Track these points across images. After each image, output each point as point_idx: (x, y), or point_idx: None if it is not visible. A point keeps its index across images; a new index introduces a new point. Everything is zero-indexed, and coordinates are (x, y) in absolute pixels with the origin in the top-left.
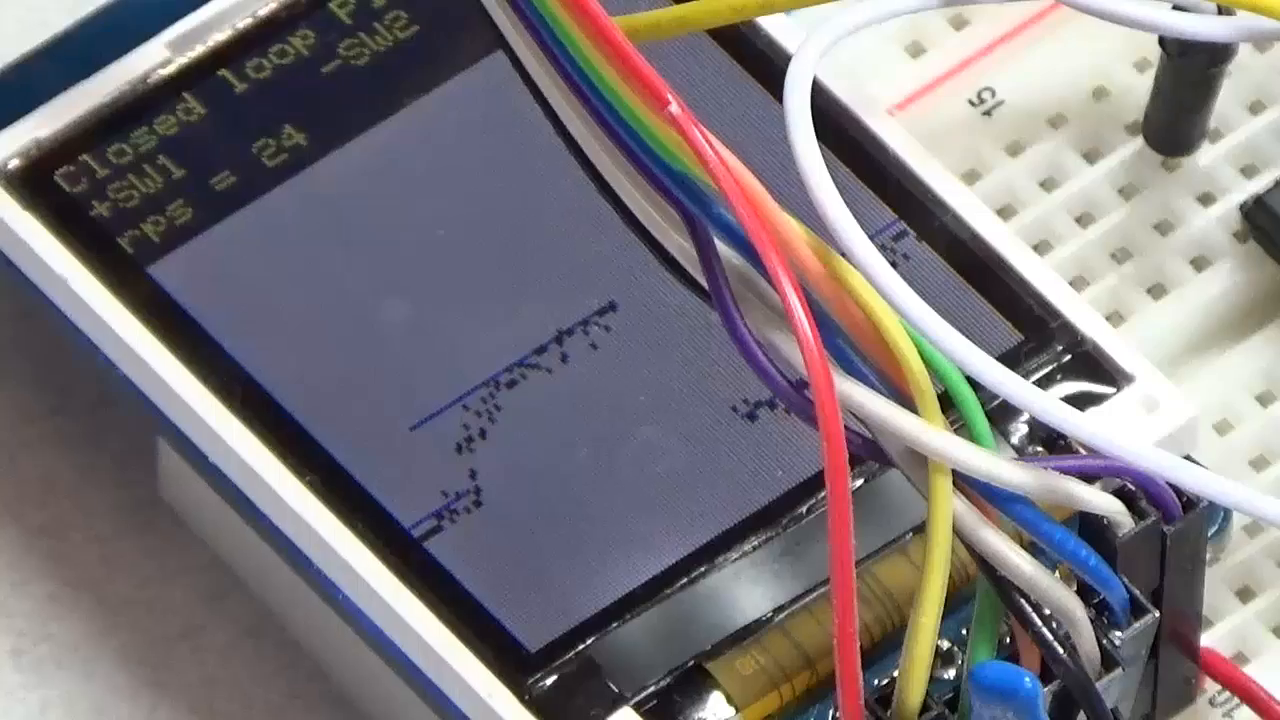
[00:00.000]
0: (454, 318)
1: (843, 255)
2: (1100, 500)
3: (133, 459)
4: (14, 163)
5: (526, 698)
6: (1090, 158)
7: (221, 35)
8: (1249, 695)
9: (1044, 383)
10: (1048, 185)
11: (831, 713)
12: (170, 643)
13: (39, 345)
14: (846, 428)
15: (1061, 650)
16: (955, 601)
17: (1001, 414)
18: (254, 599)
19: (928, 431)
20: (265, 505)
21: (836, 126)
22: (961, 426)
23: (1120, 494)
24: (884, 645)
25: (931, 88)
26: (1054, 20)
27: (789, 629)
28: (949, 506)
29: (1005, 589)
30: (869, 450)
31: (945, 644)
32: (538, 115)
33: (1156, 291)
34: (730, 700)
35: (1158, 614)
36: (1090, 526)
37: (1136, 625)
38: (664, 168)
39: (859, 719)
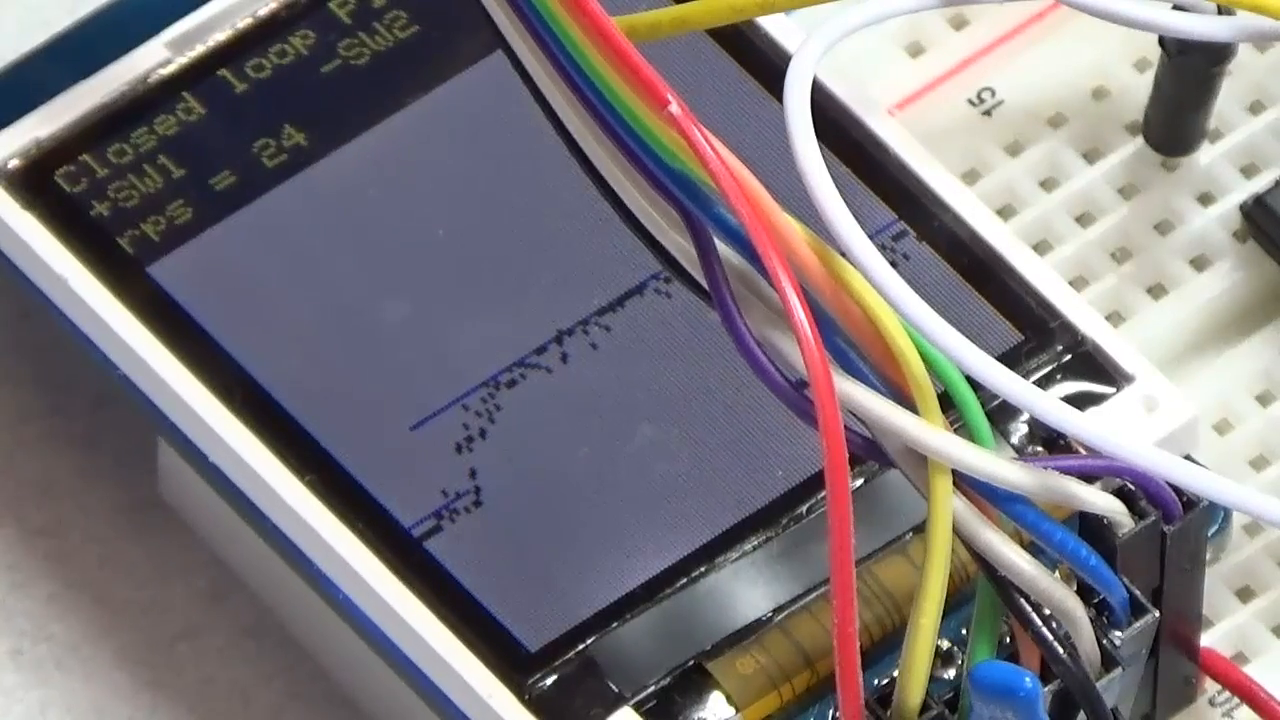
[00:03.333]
0: (454, 318)
1: (843, 255)
2: (1100, 500)
3: (133, 459)
4: (14, 163)
5: (526, 698)
6: (1090, 158)
7: (221, 35)
8: (1249, 695)
9: (1044, 383)
10: (1048, 185)
11: (831, 713)
12: (170, 643)
13: (39, 345)
14: (846, 428)
15: (1061, 650)
16: (955, 601)
17: (1001, 414)
18: (254, 599)
19: (928, 431)
20: (265, 505)
21: (836, 126)
22: (961, 426)
23: (1120, 494)
24: (884, 645)
25: (931, 88)
26: (1054, 20)
27: (789, 629)
28: (949, 506)
29: (1005, 589)
30: (869, 450)
31: (945, 644)
32: (538, 115)
33: (1156, 291)
34: (730, 700)
35: (1158, 614)
36: (1090, 526)
37: (1136, 625)
38: (664, 168)
39: (859, 719)
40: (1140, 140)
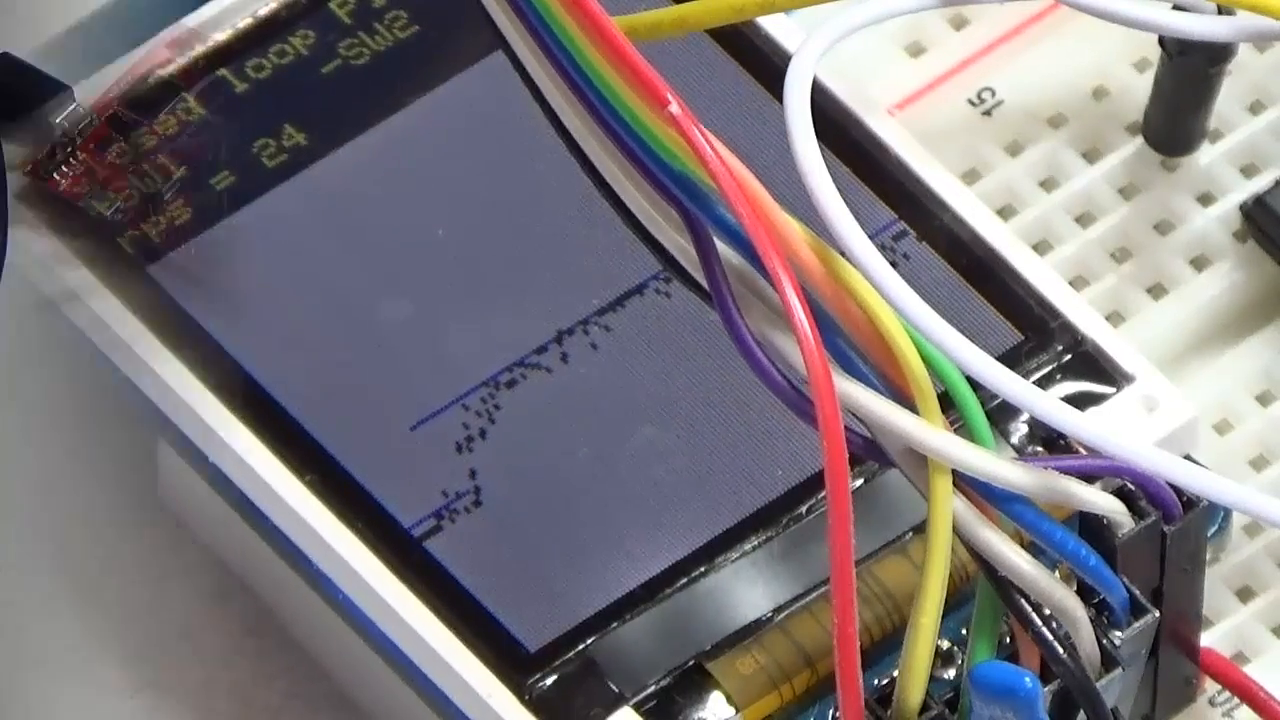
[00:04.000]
0: (454, 317)
1: (843, 255)
2: (1100, 500)
3: (133, 459)
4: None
5: (526, 698)
6: (1090, 158)
7: (221, 35)
8: (1249, 695)
9: (1044, 383)
10: (1048, 185)
11: (831, 713)
12: (170, 643)
13: (39, 345)
14: (846, 428)
15: (1061, 650)
16: (955, 601)
17: (1001, 414)
18: (254, 599)
19: (928, 431)
20: (265, 505)
21: (836, 126)
22: (961, 426)
23: (1120, 494)
24: (884, 645)
25: (931, 88)
26: (1054, 20)
27: (789, 629)
28: (949, 506)
29: (1005, 589)
30: (869, 450)
31: (945, 644)
32: (538, 115)
33: (1156, 291)
34: (730, 700)
35: (1158, 614)
36: (1090, 526)
37: (1136, 625)
38: (664, 168)
39: (859, 719)
40: (1140, 140)
